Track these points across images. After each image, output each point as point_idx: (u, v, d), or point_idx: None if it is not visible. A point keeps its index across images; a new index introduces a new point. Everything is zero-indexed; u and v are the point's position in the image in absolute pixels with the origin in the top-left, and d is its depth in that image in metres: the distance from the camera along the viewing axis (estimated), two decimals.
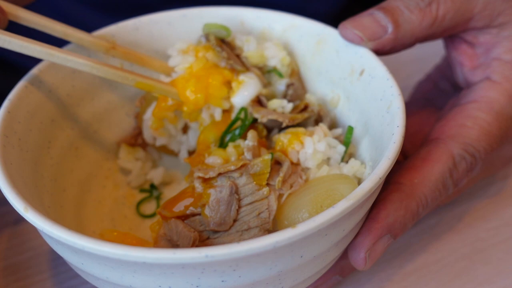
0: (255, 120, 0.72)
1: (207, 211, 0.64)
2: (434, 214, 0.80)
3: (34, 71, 0.71)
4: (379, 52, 0.71)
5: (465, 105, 0.71)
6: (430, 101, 0.83)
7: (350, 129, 0.72)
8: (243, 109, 0.73)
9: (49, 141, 0.71)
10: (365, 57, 0.71)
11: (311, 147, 0.69)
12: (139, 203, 0.79)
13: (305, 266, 0.58)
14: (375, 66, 0.70)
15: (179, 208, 0.66)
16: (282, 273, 0.56)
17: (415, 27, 0.69)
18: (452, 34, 0.73)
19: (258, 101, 0.73)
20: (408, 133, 0.62)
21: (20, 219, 0.58)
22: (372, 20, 0.69)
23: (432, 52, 0.89)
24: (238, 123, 0.73)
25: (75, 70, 0.75)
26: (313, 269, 0.60)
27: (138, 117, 0.80)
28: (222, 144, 0.72)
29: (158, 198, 0.80)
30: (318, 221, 0.52)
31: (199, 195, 0.65)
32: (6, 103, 0.66)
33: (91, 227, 0.74)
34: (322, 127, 0.72)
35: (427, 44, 0.77)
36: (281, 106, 0.73)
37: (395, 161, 0.59)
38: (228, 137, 0.73)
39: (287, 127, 0.72)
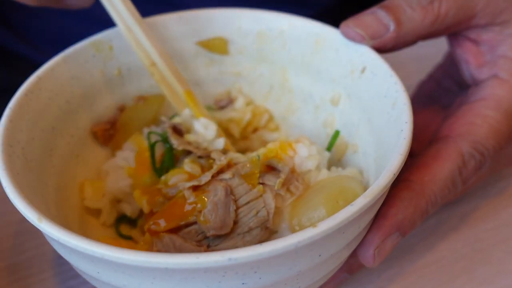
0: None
1: (206, 216, 0.63)
2: (434, 213, 0.80)
3: (33, 78, 0.69)
4: (381, 50, 0.71)
5: (473, 103, 0.71)
6: (434, 100, 0.83)
7: (337, 133, 0.73)
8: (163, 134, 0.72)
9: (51, 149, 0.70)
10: (366, 54, 0.71)
11: (306, 151, 0.70)
12: (118, 223, 0.75)
13: (322, 265, 0.58)
14: (376, 63, 0.70)
15: (171, 221, 0.63)
16: (301, 272, 0.56)
17: (417, 25, 0.69)
18: (454, 31, 0.74)
19: (175, 129, 0.73)
20: (413, 131, 0.62)
21: (21, 219, 0.57)
22: (374, 18, 0.70)
23: (432, 51, 0.89)
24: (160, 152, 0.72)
25: (74, 76, 0.74)
26: (329, 267, 0.60)
27: (122, 110, 0.79)
28: (160, 175, 0.70)
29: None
30: (338, 219, 0.52)
31: (191, 203, 0.64)
32: (7, 112, 0.65)
33: (95, 235, 0.73)
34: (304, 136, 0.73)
35: (427, 43, 0.78)
36: (196, 142, 0.72)
37: (406, 157, 0.59)
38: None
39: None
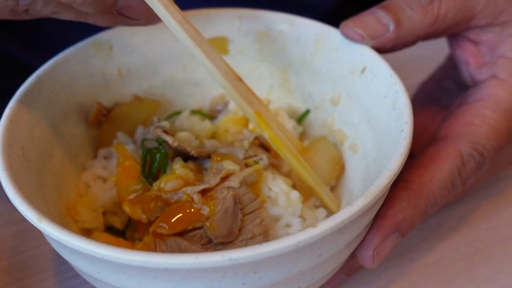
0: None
1: (214, 224, 0.63)
2: (434, 214, 0.80)
3: (33, 78, 0.69)
4: (381, 50, 0.71)
5: (473, 103, 0.71)
6: (435, 100, 0.83)
7: (307, 112, 0.81)
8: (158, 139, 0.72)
9: (51, 149, 0.70)
10: (366, 54, 0.71)
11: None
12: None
13: (322, 265, 0.58)
14: (377, 63, 0.70)
15: (178, 225, 0.63)
16: (301, 273, 0.56)
17: (417, 26, 0.69)
18: (454, 32, 0.74)
19: (164, 130, 0.72)
20: (413, 132, 0.62)
21: (20, 219, 0.57)
22: (373, 18, 0.70)
23: (432, 52, 0.90)
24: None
25: (74, 76, 0.74)
26: (329, 268, 0.60)
27: (117, 105, 0.78)
28: (152, 181, 0.69)
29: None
30: (339, 219, 0.53)
31: (198, 209, 0.64)
32: (7, 111, 0.65)
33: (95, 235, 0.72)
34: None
35: (427, 44, 0.78)
36: (188, 141, 0.73)
37: (406, 157, 0.59)
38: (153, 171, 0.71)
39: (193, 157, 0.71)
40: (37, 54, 0.94)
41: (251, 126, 0.77)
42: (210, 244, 0.64)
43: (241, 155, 0.70)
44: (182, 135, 0.73)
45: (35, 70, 0.71)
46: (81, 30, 0.76)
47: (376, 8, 0.71)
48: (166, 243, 0.62)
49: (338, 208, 0.72)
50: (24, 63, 1.06)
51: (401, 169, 0.58)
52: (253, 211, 0.65)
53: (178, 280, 0.52)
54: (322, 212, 0.71)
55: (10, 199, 0.57)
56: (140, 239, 0.67)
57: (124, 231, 0.73)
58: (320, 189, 0.70)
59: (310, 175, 0.69)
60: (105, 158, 0.75)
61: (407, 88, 0.67)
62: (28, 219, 0.55)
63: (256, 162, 0.69)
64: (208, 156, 0.71)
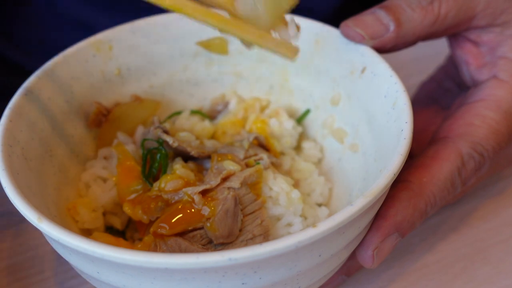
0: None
1: (215, 225, 0.63)
2: (434, 214, 0.80)
3: (33, 78, 0.69)
4: (381, 50, 0.71)
5: (472, 103, 0.71)
6: (435, 100, 0.83)
7: (307, 112, 0.81)
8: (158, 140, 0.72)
9: (51, 150, 0.70)
10: (366, 54, 0.71)
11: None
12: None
13: (322, 265, 0.58)
14: (377, 63, 0.70)
15: (178, 225, 0.63)
16: (301, 273, 0.56)
17: (417, 25, 0.69)
18: (454, 32, 0.74)
19: (164, 130, 0.72)
20: (413, 132, 0.62)
21: (21, 220, 0.58)
22: (374, 18, 0.70)
23: (432, 52, 0.90)
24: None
25: (74, 76, 0.74)
26: (329, 268, 0.60)
27: (117, 106, 0.78)
28: (152, 181, 0.69)
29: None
30: (338, 219, 0.53)
31: (199, 210, 0.64)
32: (7, 111, 0.65)
33: (94, 235, 0.72)
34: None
35: (427, 44, 0.78)
36: (189, 141, 0.73)
37: (406, 157, 0.59)
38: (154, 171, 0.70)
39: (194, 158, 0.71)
40: (36, 55, 0.94)
41: (248, 127, 0.78)
42: (211, 245, 0.64)
43: (241, 154, 0.70)
44: (183, 135, 0.73)
45: (34, 71, 0.71)
46: (81, 30, 0.76)
47: (376, 8, 0.70)
48: (167, 243, 0.62)
49: (295, 53, 0.64)
50: (23, 64, 1.06)
51: (401, 169, 0.58)
52: (254, 211, 0.65)
53: (178, 280, 0.52)
54: (323, 211, 0.71)
55: (10, 199, 0.57)
56: (140, 239, 0.67)
57: (124, 231, 0.73)
58: (268, 43, 0.62)
59: (246, 33, 0.61)
60: (105, 158, 0.76)
61: (407, 88, 0.67)
62: (28, 219, 0.55)
63: (258, 163, 0.69)
64: (209, 157, 0.71)
